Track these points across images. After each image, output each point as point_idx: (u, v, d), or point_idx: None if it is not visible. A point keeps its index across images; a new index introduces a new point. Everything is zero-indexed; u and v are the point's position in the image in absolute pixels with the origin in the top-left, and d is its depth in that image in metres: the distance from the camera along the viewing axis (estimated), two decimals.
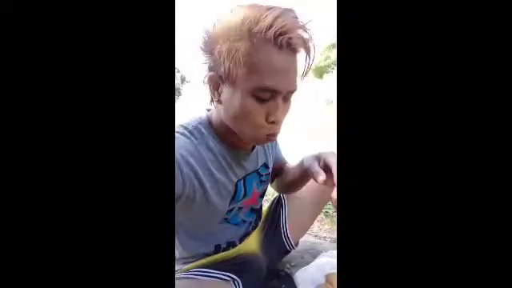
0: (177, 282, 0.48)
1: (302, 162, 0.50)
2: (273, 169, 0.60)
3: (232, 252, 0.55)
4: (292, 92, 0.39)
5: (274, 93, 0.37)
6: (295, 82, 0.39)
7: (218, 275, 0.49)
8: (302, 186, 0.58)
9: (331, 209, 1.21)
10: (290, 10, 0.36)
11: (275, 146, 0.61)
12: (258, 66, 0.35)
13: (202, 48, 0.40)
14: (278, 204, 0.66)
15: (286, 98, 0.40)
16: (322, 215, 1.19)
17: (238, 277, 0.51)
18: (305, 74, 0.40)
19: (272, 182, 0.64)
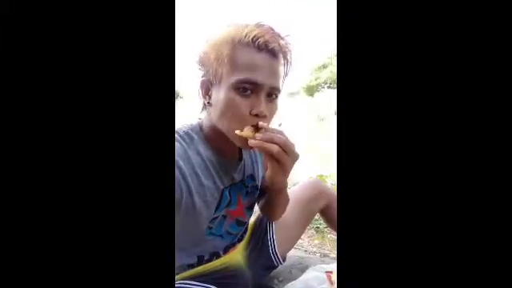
0: None
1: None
2: (262, 189, 0.59)
3: (217, 264, 0.53)
4: (275, 89, 0.42)
5: (255, 87, 0.40)
6: (277, 80, 0.42)
7: None
8: (278, 209, 0.57)
9: (322, 224, 1.18)
10: (270, 25, 0.42)
11: (262, 161, 0.60)
12: (239, 63, 0.40)
13: (197, 62, 0.45)
14: (264, 218, 0.65)
15: (270, 97, 0.42)
16: (312, 230, 1.17)
17: None
18: (284, 78, 0.44)
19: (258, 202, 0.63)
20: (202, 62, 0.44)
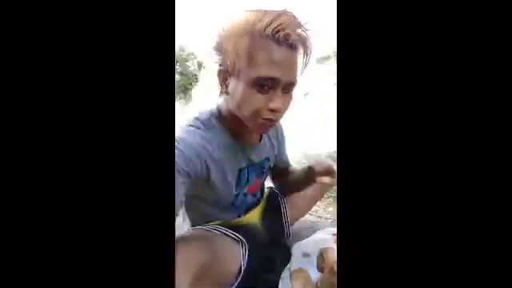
0: (195, 231, 0.56)
1: (306, 168, 0.61)
2: (277, 169, 0.68)
3: (239, 221, 0.62)
4: (292, 84, 0.44)
5: (273, 82, 0.41)
6: (294, 74, 0.43)
7: (231, 235, 0.55)
8: (303, 189, 0.68)
9: None
10: (289, 12, 0.41)
11: (281, 144, 0.67)
12: (258, 58, 0.40)
13: (214, 48, 0.46)
14: (274, 197, 0.72)
15: (287, 90, 0.44)
16: (330, 199, 1.23)
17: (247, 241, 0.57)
18: (303, 69, 0.45)
19: (276, 182, 0.73)
20: (219, 50, 0.45)
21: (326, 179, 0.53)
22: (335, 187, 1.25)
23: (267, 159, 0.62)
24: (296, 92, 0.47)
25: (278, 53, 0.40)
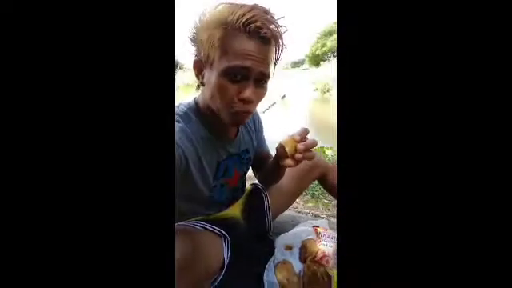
0: (177, 227, 0.55)
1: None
2: (258, 160, 0.67)
3: (220, 215, 0.62)
4: (263, 75, 0.44)
5: (244, 73, 0.42)
6: (266, 66, 0.44)
7: (213, 229, 0.56)
8: (280, 176, 0.65)
9: (318, 191, 1.29)
10: (262, 7, 0.42)
11: (259, 134, 0.68)
12: (230, 49, 0.41)
13: (190, 39, 0.46)
14: (257, 192, 0.72)
15: (259, 82, 0.45)
16: (308, 196, 1.27)
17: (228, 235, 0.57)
18: (276, 62, 0.46)
19: (257, 173, 0.72)
20: (194, 41, 0.45)
21: (289, 162, 0.45)
22: (314, 184, 1.30)
23: (246, 151, 0.62)
24: (269, 86, 0.47)
25: (249, 44, 0.41)
